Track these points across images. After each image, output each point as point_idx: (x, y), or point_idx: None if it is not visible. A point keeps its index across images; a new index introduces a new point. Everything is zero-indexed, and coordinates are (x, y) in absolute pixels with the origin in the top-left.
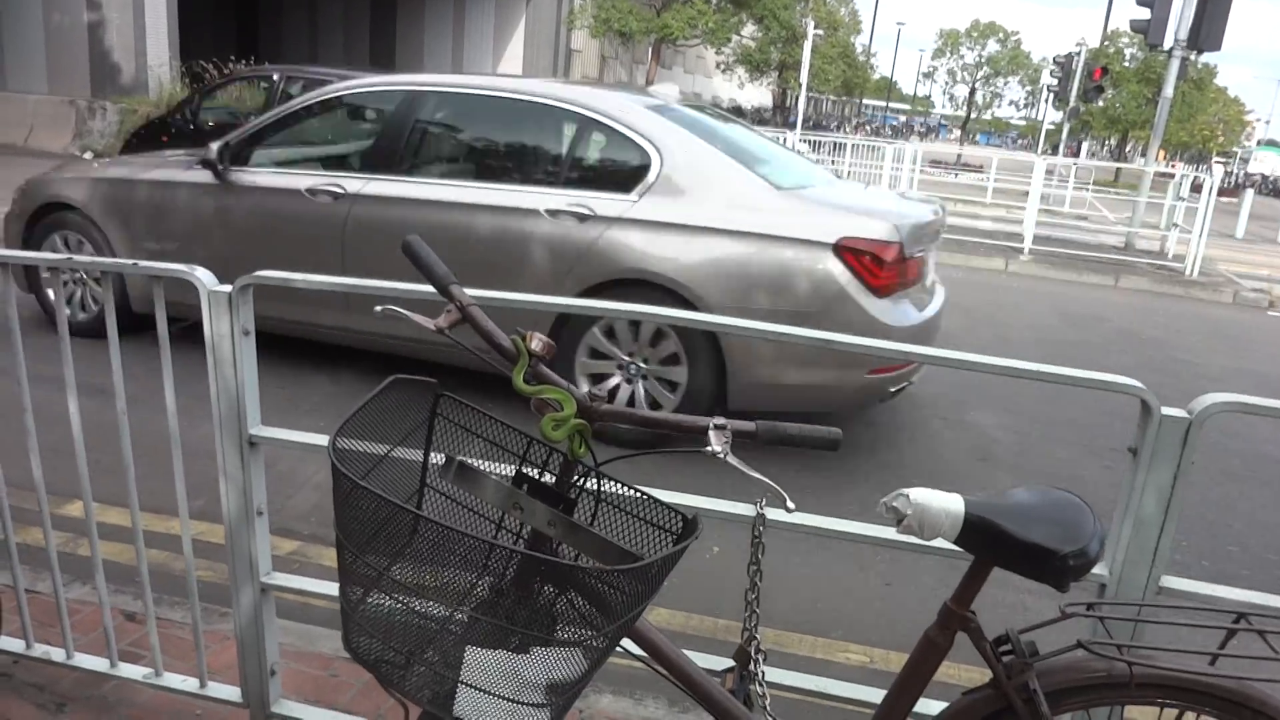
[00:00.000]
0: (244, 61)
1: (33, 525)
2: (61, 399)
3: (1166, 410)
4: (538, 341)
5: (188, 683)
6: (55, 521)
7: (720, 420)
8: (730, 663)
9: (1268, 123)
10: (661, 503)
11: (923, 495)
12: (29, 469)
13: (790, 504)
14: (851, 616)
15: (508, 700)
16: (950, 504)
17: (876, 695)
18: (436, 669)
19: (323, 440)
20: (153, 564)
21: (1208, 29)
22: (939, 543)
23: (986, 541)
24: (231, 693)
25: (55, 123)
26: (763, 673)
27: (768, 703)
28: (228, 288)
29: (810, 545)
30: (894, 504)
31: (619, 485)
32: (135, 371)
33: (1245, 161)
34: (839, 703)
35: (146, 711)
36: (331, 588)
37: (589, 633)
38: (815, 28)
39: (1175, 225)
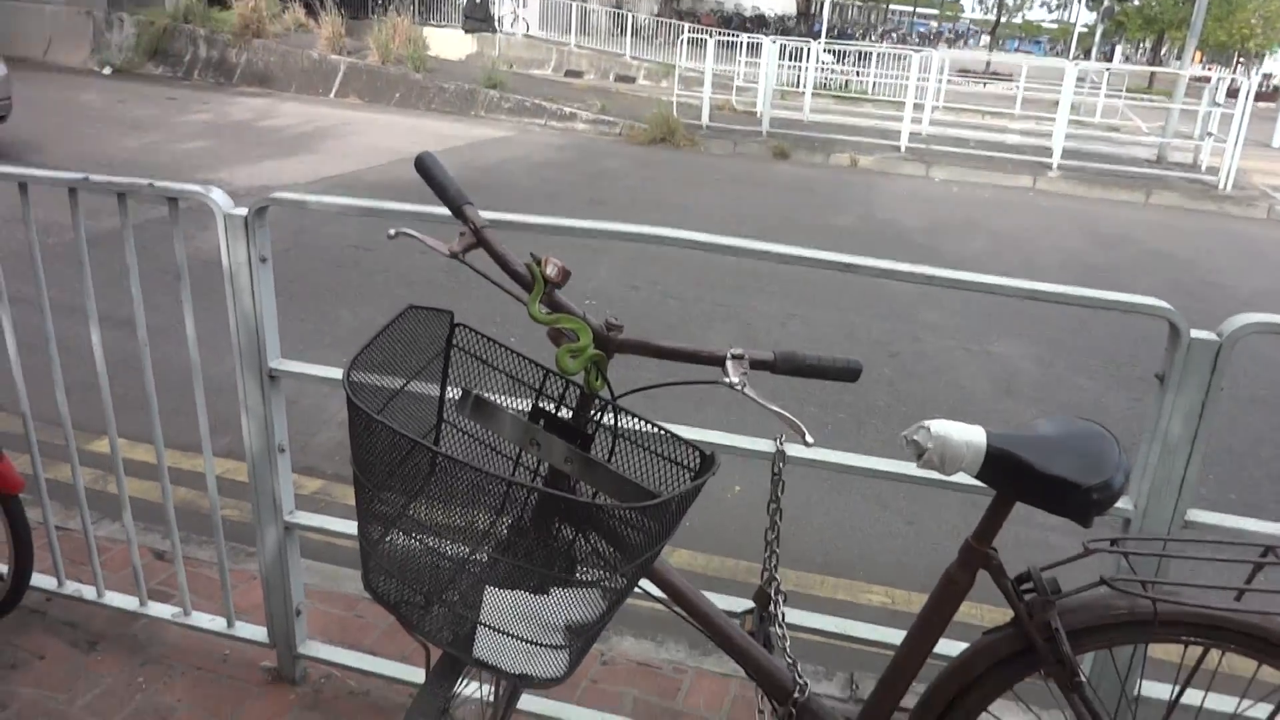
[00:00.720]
0: None
1: (61, 461)
2: (85, 331)
3: (1195, 333)
4: (553, 267)
5: (215, 622)
6: (83, 458)
7: (738, 350)
8: (750, 604)
9: None
10: (679, 438)
11: (944, 427)
12: (55, 403)
13: (809, 438)
14: (872, 556)
15: (527, 642)
16: (972, 436)
17: (897, 636)
18: (456, 609)
19: None
20: (180, 502)
21: None
22: (960, 478)
23: (1008, 475)
24: (258, 633)
25: (73, 35)
26: (783, 614)
27: (788, 644)
28: (244, 210)
29: (831, 485)
30: (914, 437)
31: (636, 420)
32: (158, 301)
33: (1260, 59)
34: (859, 644)
35: (175, 650)
36: (355, 527)
37: (607, 573)
38: None
39: (1209, 134)
